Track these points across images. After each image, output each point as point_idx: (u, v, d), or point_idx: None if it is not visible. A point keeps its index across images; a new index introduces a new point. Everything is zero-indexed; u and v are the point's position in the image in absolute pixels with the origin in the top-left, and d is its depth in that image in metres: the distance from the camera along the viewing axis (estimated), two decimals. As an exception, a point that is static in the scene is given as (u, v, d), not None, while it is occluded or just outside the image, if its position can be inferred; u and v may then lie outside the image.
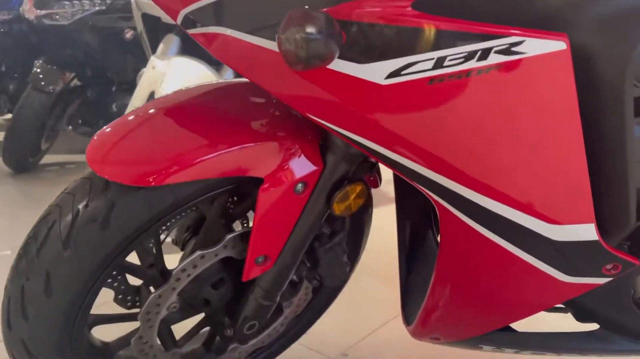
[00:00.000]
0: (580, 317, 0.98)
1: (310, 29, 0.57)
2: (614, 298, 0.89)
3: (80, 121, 3.01)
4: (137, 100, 2.10)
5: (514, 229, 0.78)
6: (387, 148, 0.72)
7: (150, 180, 0.75)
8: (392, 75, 0.65)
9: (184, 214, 0.90)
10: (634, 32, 0.67)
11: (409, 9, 0.62)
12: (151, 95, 2.07)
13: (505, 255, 0.82)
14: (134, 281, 0.94)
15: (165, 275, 0.93)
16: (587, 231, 0.78)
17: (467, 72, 0.65)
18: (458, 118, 0.68)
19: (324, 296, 1.21)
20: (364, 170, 0.90)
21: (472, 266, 0.86)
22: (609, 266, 0.84)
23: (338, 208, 0.88)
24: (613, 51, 0.68)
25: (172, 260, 0.98)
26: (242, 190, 0.91)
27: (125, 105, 2.42)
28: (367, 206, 1.08)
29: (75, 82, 2.87)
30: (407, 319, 1.02)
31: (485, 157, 0.72)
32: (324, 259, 0.98)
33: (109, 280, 0.90)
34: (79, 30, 2.83)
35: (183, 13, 0.69)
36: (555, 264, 0.83)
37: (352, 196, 0.88)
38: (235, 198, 0.97)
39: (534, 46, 0.63)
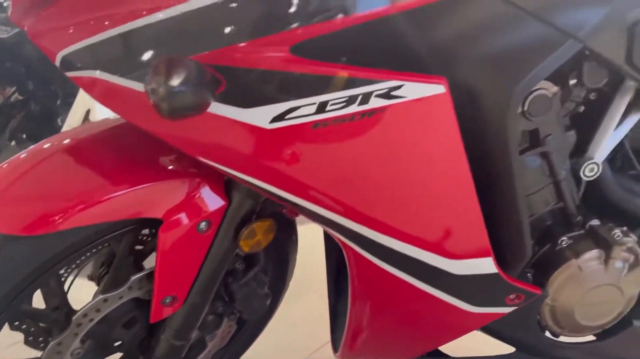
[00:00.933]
0: (500, 339, 0.99)
1: (175, 81, 0.56)
2: (521, 323, 0.90)
3: (24, 136, 2.92)
4: (73, 119, 2.05)
5: (415, 265, 0.79)
6: (281, 188, 0.71)
7: (37, 228, 0.72)
8: (276, 119, 0.64)
9: (89, 254, 0.87)
10: (514, 70, 0.68)
11: (288, 53, 0.62)
12: (87, 114, 2.02)
13: (412, 289, 0.82)
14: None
15: (70, 317, 0.90)
16: (486, 265, 0.79)
17: (351, 116, 0.64)
18: (346, 161, 0.68)
19: (250, 327, 1.20)
20: (273, 205, 0.89)
21: (382, 299, 0.86)
22: (512, 296, 0.85)
23: (246, 245, 0.86)
24: (495, 89, 0.69)
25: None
26: (150, 227, 0.89)
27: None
28: (290, 234, 1.07)
29: (17, 97, 2.78)
30: (335, 343, 1.01)
31: (377, 196, 0.71)
32: (239, 294, 0.96)
33: (16, 323, 0.87)
34: (20, 43, 2.74)
35: (60, 55, 0.67)
36: (460, 296, 0.84)
37: (260, 233, 0.86)
38: (147, 236, 0.95)
39: (414, 90, 0.63)
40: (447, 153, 0.69)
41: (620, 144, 0.91)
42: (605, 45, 0.72)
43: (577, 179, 0.88)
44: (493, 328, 0.93)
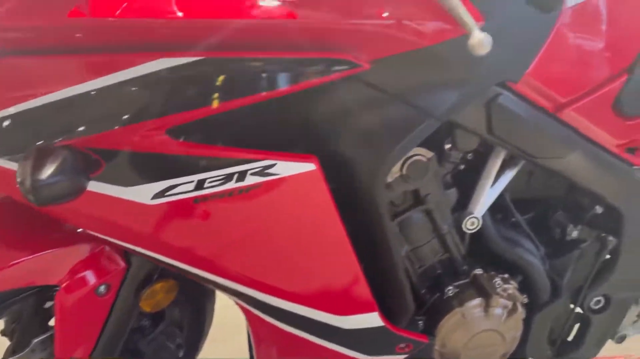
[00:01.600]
0: None
1: (42, 173, 0.58)
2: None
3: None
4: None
5: (308, 323, 0.83)
6: (170, 257, 0.74)
7: None
8: (157, 196, 0.67)
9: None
10: (380, 146, 0.74)
11: (164, 135, 0.65)
12: None
13: (310, 345, 0.86)
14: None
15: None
16: (372, 319, 0.84)
17: (229, 192, 0.68)
18: (229, 231, 0.72)
19: None
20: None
21: (283, 354, 0.90)
22: (402, 345, 0.90)
23: (147, 306, 0.88)
24: (364, 164, 0.74)
25: None
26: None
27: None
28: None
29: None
30: None
31: (264, 263, 0.75)
32: (147, 350, 0.98)
33: None
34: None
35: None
36: (354, 348, 0.89)
37: (162, 293, 0.89)
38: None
39: (286, 168, 0.68)
40: (323, 222, 0.73)
41: (501, 196, 0.98)
42: (467, 119, 0.79)
43: (462, 231, 0.94)
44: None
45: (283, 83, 0.65)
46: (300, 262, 0.76)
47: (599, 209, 1.01)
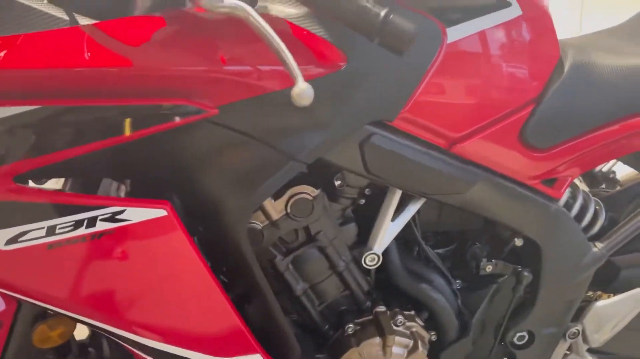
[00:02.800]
0: None
1: None
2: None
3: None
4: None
5: None
6: (37, 300, 0.73)
7: None
8: (10, 242, 0.66)
9: None
10: (242, 188, 0.72)
11: (12, 184, 0.65)
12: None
13: None
14: None
15: None
16: (256, 361, 0.82)
17: (82, 238, 0.67)
18: (91, 277, 0.70)
19: None
20: None
21: None
22: (298, 380, 0.87)
23: (40, 343, 0.88)
24: (227, 206, 0.72)
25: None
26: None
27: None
28: None
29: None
30: None
31: (135, 308, 0.74)
32: None
33: None
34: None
35: None
36: None
37: (56, 331, 0.88)
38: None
39: (136, 214, 0.66)
40: (184, 266, 0.71)
41: (411, 230, 0.95)
42: (342, 159, 0.76)
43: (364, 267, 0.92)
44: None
45: (124, 130, 0.64)
46: (168, 306, 0.74)
47: (518, 242, 0.98)
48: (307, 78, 0.65)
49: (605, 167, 1.30)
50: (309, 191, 0.82)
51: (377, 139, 0.76)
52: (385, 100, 0.75)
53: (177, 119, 0.65)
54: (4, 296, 0.84)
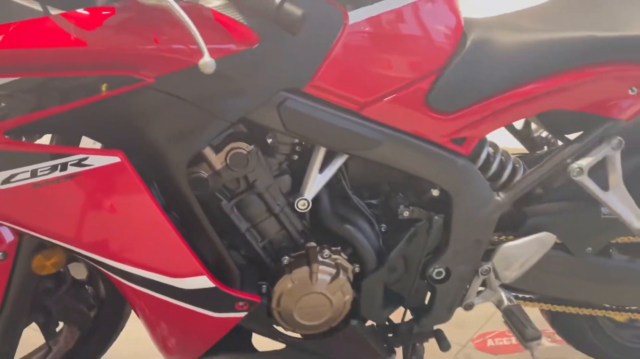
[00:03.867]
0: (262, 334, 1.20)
1: None
2: (260, 324, 1.12)
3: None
4: None
5: (156, 285, 1.00)
6: (32, 230, 0.93)
7: None
8: (4, 182, 0.86)
9: None
10: (178, 143, 0.91)
11: (3, 137, 0.84)
12: None
13: (168, 303, 1.04)
14: None
15: None
16: (204, 281, 1.00)
17: (57, 179, 0.87)
18: (69, 210, 0.91)
19: (97, 335, 1.38)
20: None
21: (153, 312, 1.07)
22: (240, 304, 1.06)
23: (39, 269, 1.08)
24: (170, 158, 0.91)
25: None
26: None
27: None
28: None
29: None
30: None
31: (106, 236, 0.94)
32: (55, 308, 1.18)
33: None
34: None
35: None
36: (202, 306, 1.06)
37: (50, 260, 1.08)
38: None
39: (97, 160, 0.86)
40: (138, 203, 0.91)
41: (340, 182, 1.12)
42: (264, 120, 0.94)
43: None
44: (249, 327, 1.14)
45: (83, 96, 0.83)
46: (129, 235, 0.94)
47: (434, 192, 1.14)
48: (226, 54, 0.83)
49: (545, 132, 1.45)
50: (244, 146, 1.00)
51: (291, 103, 0.93)
52: (294, 71, 0.92)
53: (122, 87, 0.83)
54: (8, 230, 1.05)
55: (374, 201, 1.20)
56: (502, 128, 1.35)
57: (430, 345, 1.27)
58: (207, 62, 0.77)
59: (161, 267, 0.98)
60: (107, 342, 1.41)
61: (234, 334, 1.16)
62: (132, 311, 1.23)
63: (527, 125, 1.42)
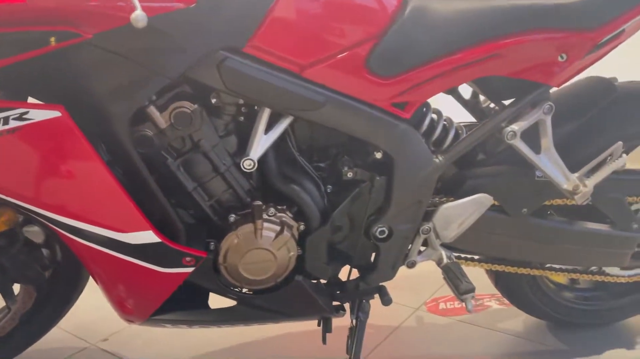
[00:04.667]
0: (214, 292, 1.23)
1: None
2: (208, 279, 1.15)
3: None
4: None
5: (105, 240, 1.03)
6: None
7: None
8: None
9: None
10: (118, 98, 0.93)
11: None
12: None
13: (118, 259, 1.07)
14: None
15: None
16: (149, 236, 1.04)
17: (0, 133, 0.89)
18: (16, 163, 0.93)
19: (55, 295, 1.40)
20: None
21: (104, 270, 1.10)
22: (188, 259, 1.10)
23: None
24: (111, 114, 0.94)
25: None
26: None
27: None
28: None
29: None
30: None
31: (51, 190, 0.96)
32: (9, 264, 1.20)
33: None
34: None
35: None
36: (150, 261, 1.09)
37: (1, 219, 1.10)
38: None
39: (38, 114, 0.88)
40: (82, 158, 0.94)
41: (286, 143, 1.16)
42: (205, 78, 0.97)
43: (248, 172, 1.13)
44: (198, 283, 1.18)
45: (24, 50, 0.85)
46: (74, 190, 0.96)
47: (378, 155, 1.18)
48: (164, 11, 0.85)
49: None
50: (188, 105, 1.02)
51: (231, 62, 0.96)
52: (233, 31, 0.95)
53: (61, 42, 0.85)
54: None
55: (321, 164, 1.24)
56: (451, 99, 1.42)
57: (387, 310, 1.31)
58: (138, 15, 0.79)
59: (107, 222, 1.01)
60: (65, 305, 1.43)
61: (191, 294, 1.20)
62: (91, 279, 1.26)
63: (474, 95, 1.46)
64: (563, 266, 1.45)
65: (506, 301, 1.69)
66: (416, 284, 1.93)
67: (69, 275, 1.35)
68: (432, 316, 1.75)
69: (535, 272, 1.41)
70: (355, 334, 1.28)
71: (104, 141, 0.98)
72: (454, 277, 1.23)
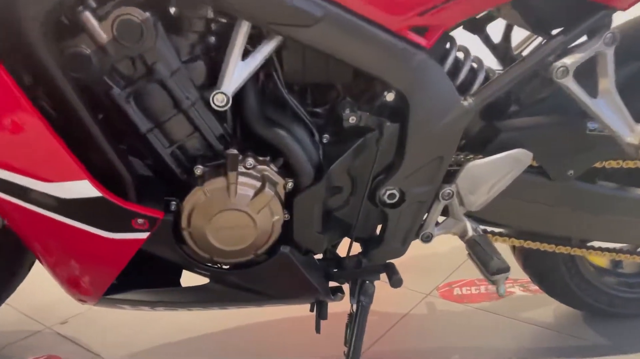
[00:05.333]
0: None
1: None
2: (166, 248, 0.89)
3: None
4: None
5: (31, 194, 0.78)
6: None
7: None
8: None
9: None
10: None
11: None
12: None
13: (50, 222, 0.81)
14: None
15: None
16: (84, 188, 0.78)
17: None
18: None
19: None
20: None
21: (37, 238, 0.85)
22: (139, 221, 0.84)
23: None
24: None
25: None
26: None
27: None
28: None
29: None
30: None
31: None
32: None
33: None
34: None
35: None
36: (91, 222, 0.83)
37: None
38: None
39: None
40: (11, 105, 0.70)
41: (270, 76, 0.89)
42: None
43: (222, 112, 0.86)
44: (158, 254, 0.92)
45: None
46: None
47: (388, 97, 0.91)
48: None
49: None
50: (136, 13, 0.76)
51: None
52: None
53: None
54: None
55: (317, 109, 0.98)
56: (480, 43, 1.15)
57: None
58: None
59: (28, 168, 0.75)
60: (11, 278, 1.19)
61: (163, 270, 0.96)
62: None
63: (506, 37, 1.19)
64: (609, 246, 1.19)
65: (532, 288, 1.44)
66: (427, 265, 1.68)
67: (9, 242, 1.10)
68: (445, 302, 1.51)
69: (577, 252, 1.14)
70: (356, 322, 1.03)
71: (16, 57, 0.72)
72: (482, 253, 0.96)
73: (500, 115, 1.06)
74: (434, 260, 1.71)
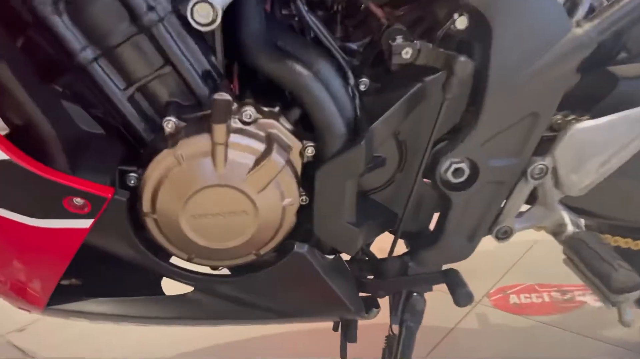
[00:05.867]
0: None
1: None
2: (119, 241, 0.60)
3: None
4: None
5: None
6: None
7: None
8: None
9: None
10: None
11: None
12: None
13: None
14: None
15: None
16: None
17: None
18: None
19: None
20: None
21: None
22: (77, 201, 0.54)
23: None
24: None
25: None
26: None
27: None
28: None
29: None
30: None
31: None
32: None
33: None
34: None
35: None
36: (4, 205, 0.54)
37: None
38: None
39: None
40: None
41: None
42: None
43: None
44: (114, 251, 0.62)
45: None
46: None
47: (459, 23, 0.60)
48: None
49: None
50: None
51: None
52: None
53: None
54: None
55: (352, 46, 0.67)
56: None
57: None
58: None
59: None
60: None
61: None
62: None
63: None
64: None
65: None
66: (470, 266, 1.37)
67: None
68: (499, 313, 1.24)
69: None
70: (399, 347, 0.73)
71: None
72: (594, 259, 0.65)
73: (608, 63, 0.75)
74: (479, 259, 1.40)
